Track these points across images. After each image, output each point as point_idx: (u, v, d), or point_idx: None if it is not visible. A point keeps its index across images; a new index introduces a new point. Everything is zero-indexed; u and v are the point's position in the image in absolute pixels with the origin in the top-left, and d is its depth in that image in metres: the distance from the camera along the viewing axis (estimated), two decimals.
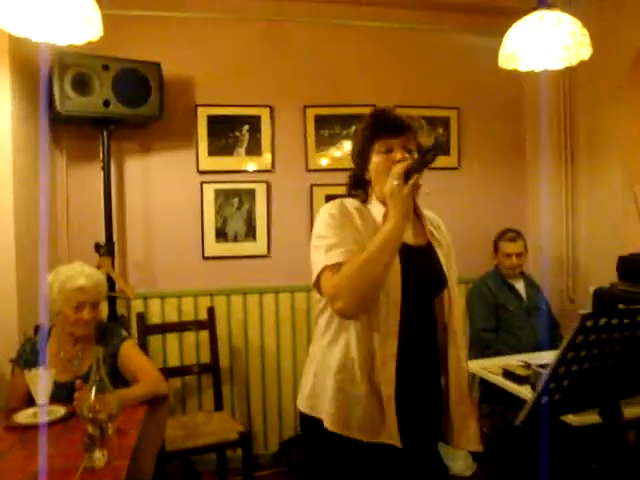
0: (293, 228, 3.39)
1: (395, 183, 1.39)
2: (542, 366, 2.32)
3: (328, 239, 1.45)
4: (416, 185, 1.40)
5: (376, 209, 1.54)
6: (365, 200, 1.59)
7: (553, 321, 3.18)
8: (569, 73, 3.41)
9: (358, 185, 1.62)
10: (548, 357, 2.68)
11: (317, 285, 1.46)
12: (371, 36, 3.42)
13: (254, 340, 3.36)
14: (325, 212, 1.52)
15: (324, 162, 3.44)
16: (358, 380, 1.45)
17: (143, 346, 2.81)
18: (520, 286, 3.16)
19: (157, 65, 2.83)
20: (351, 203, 1.56)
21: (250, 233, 3.34)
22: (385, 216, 1.44)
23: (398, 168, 1.40)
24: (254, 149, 3.34)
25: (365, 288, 1.37)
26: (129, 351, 2.19)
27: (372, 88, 3.40)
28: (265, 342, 3.37)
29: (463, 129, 3.58)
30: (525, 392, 2.20)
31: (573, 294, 3.51)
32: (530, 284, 3.21)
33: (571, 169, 3.48)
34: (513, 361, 2.55)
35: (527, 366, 2.39)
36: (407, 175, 1.38)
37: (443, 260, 1.61)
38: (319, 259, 1.44)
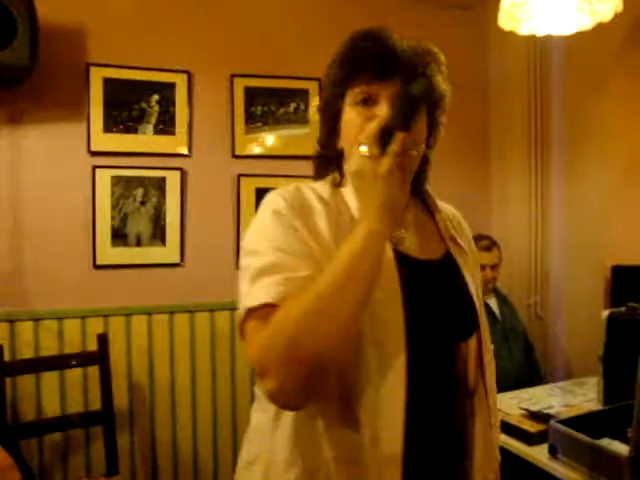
0: (214, 229, 2.67)
1: (364, 153, 0.81)
2: (549, 416, 1.78)
3: (260, 257, 0.87)
4: (404, 152, 0.80)
5: (354, 198, 0.95)
6: (340, 183, 1.00)
7: (530, 346, 2.68)
8: (541, 51, 2.95)
9: (327, 161, 1.04)
10: (540, 396, 2.17)
11: (242, 336, 0.86)
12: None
13: (162, 375, 2.58)
14: (266, 207, 0.94)
15: (256, 147, 2.74)
16: None
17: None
18: (493, 304, 2.63)
19: None
20: (314, 190, 0.98)
21: (158, 235, 2.58)
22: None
23: (369, 128, 0.83)
24: (166, 126, 2.59)
25: (315, 354, 0.77)
26: None
27: (318, 58, 2.72)
28: (177, 377, 2.60)
29: None
30: (540, 457, 1.63)
31: (541, 311, 3.04)
32: (503, 301, 2.69)
33: (542, 167, 3.00)
34: (508, 405, 1.99)
35: (533, 416, 1.83)
36: (384, 138, 0.80)
37: (470, 281, 1.03)
38: (241, 298, 0.86)
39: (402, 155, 0.80)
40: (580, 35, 1.97)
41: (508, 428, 1.76)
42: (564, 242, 2.90)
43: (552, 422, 1.61)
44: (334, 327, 0.77)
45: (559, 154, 2.92)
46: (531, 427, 1.73)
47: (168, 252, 2.60)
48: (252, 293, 0.83)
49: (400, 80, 0.91)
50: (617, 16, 1.79)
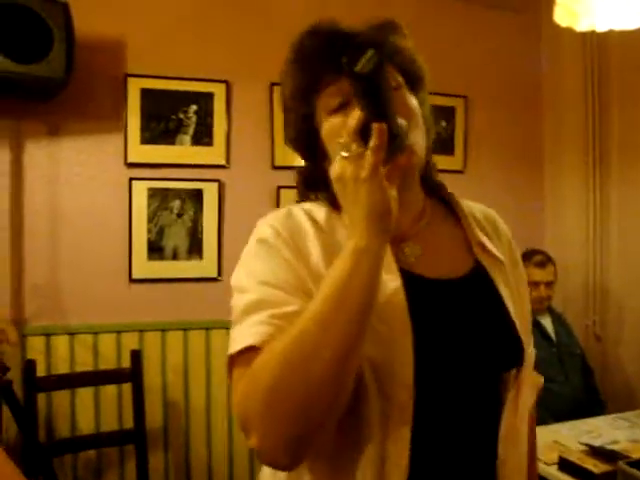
0: None
1: (343, 155, 0.68)
2: (615, 454, 1.59)
3: (245, 294, 0.76)
4: (383, 145, 0.66)
5: None
6: (335, 205, 0.83)
7: (589, 370, 2.47)
8: (598, 51, 2.76)
9: (313, 183, 0.90)
10: (602, 428, 1.97)
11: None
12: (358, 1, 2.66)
13: (197, 394, 2.50)
14: (252, 237, 0.83)
15: (297, 158, 2.64)
16: None
17: (30, 409, 1.94)
18: (547, 324, 2.45)
19: (63, 4, 1.99)
20: (308, 212, 0.84)
21: (195, 249, 2.51)
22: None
23: (347, 127, 0.72)
24: (203, 137, 2.53)
25: (298, 406, 0.65)
26: None
27: None
28: (213, 396, 2.52)
29: (471, 122, 2.87)
30: None
31: (601, 331, 2.82)
32: (559, 321, 2.50)
33: (600, 174, 2.79)
34: (566, 438, 1.81)
35: (595, 453, 1.64)
36: (363, 133, 0.67)
37: (508, 298, 0.84)
38: (230, 336, 0.76)
39: (383, 149, 0.65)
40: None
41: (566, 466, 1.58)
42: (625, 256, 2.69)
43: (620, 463, 1.43)
44: (318, 370, 0.64)
45: (619, 162, 2.71)
46: (594, 467, 1.54)
47: (205, 266, 2.53)
48: (236, 336, 0.73)
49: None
50: None
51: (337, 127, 0.79)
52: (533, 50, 3.00)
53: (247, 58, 2.57)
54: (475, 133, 2.89)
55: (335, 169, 0.69)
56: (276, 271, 0.76)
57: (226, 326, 2.39)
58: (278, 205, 2.61)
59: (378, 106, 0.67)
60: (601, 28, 1.77)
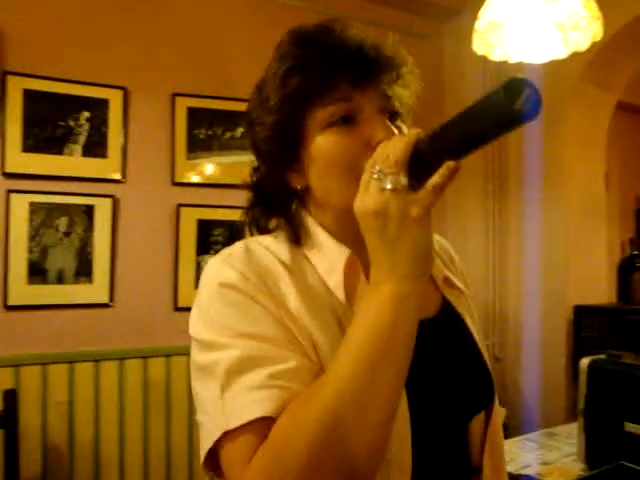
0: (149, 266, 2.38)
1: (389, 186, 0.58)
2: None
3: (224, 350, 0.62)
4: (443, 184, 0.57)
5: (326, 260, 0.71)
6: (298, 239, 0.73)
7: None
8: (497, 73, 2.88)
9: (271, 206, 0.77)
10: (511, 451, 1.98)
11: (209, 467, 0.62)
12: (269, 13, 2.58)
13: (84, 435, 2.22)
14: (212, 280, 0.68)
15: (198, 174, 2.48)
16: None
17: None
18: None
19: None
20: (269, 250, 0.71)
21: (84, 271, 2.26)
22: (351, 277, 0.70)
23: (394, 150, 0.59)
24: (96, 148, 2.29)
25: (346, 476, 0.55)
26: None
27: None
28: (102, 437, 2.25)
29: None
30: None
31: (500, 352, 2.91)
32: None
33: (499, 201, 2.91)
34: None
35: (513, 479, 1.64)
36: (415, 166, 0.58)
37: (477, 335, 0.82)
38: (208, 411, 0.62)
39: (445, 189, 0.57)
40: (539, 67, 1.89)
41: None
42: (523, 280, 2.80)
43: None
44: (367, 437, 0.55)
45: (517, 189, 2.83)
46: None
47: (95, 291, 2.27)
48: (229, 405, 0.59)
49: (381, 87, 0.69)
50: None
51: (341, 139, 0.68)
52: (436, 76, 3.07)
53: (148, 65, 2.39)
54: None
55: (374, 202, 0.58)
56: (258, 321, 0.63)
57: (118, 356, 2.13)
58: (178, 224, 2.42)
59: (468, 145, 0.56)
60: (514, 59, 1.83)
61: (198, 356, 0.65)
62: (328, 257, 0.71)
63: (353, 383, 0.56)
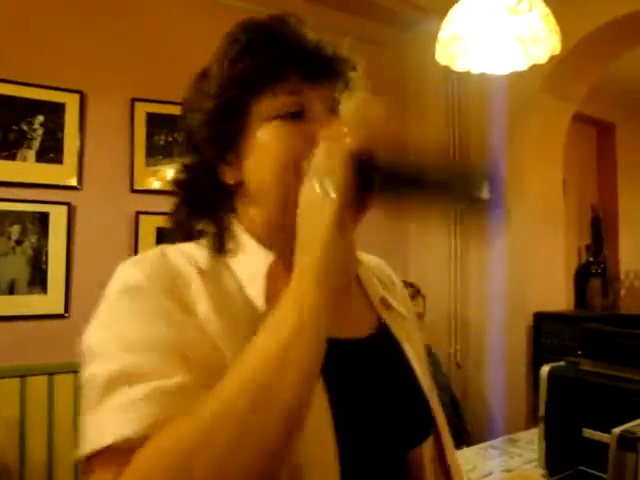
0: (107, 275, 2.27)
1: (331, 195, 0.53)
2: None
3: (106, 361, 0.55)
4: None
5: (248, 265, 0.67)
6: (221, 247, 0.69)
7: (456, 401, 2.52)
8: (459, 94, 2.92)
9: (199, 206, 0.72)
10: (474, 459, 1.99)
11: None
12: (230, 18, 2.54)
13: (37, 453, 2.13)
14: (116, 283, 0.63)
15: (158, 181, 2.43)
16: None
17: None
18: None
19: None
20: (186, 254, 0.66)
21: (37, 281, 2.17)
22: (276, 282, 0.64)
23: (338, 151, 0.55)
24: (51, 153, 2.22)
25: None
26: None
27: None
28: (56, 453, 2.16)
29: None
30: None
31: (461, 360, 2.93)
32: (428, 353, 2.53)
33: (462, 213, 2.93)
34: None
35: None
36: (364, 167, 0.54)
37: (413, 357, 0.75)
38: (85, 421, 0.54)
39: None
40: (500, 78, 1.93)
41: None
42: (485, 287, 2.83)
43: None
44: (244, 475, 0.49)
45: None
46: None
47: (50, 301, 2.19)
48: (97, 425, 0.53)
49: (333, 88, 0.68)
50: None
51: (287, 133, 0.65)
52: (398, 83, 3.09)
53: (106, 69, 2.33)
54: None
55: (304, 199, 0.56)
56: (153, 329, 0.57)
57: (74, 369, 2.06)
58: (137, 232, 2.37)
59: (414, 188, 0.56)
60: (476, 70, 1.85)
61: (83, 368, 0.58)
62: (252, 263, 0.66)
63: (235, 406, 0.49)
